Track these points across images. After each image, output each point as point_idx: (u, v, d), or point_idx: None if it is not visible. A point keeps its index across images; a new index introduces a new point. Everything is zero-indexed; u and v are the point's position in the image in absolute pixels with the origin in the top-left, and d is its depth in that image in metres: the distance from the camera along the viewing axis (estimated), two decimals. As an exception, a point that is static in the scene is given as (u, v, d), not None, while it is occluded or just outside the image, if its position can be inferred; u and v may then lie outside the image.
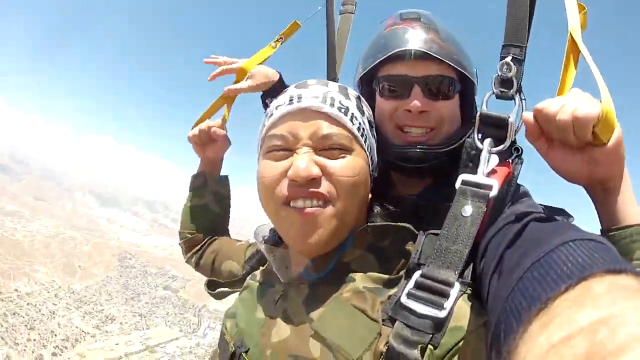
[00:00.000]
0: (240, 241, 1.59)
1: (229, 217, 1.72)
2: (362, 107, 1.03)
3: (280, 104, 0.98)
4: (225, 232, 1.71)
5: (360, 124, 0.98)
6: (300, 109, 0.94)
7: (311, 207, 0.90)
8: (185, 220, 1.65)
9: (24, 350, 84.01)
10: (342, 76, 1.58)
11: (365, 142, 0.99)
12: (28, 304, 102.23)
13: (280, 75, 1.59)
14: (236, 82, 1.55)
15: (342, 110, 0.95)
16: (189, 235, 1.64)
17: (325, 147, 0.93)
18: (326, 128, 0.92)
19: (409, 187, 1.20)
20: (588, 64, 0.92)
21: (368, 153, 1.00)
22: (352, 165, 0.93)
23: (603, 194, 0.94)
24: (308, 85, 1.00)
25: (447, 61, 1.12)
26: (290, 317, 0.94)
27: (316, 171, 0.89)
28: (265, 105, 1.56)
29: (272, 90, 1.53)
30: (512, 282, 0.59)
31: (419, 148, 1.12)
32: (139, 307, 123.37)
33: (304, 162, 0.89)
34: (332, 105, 0.94)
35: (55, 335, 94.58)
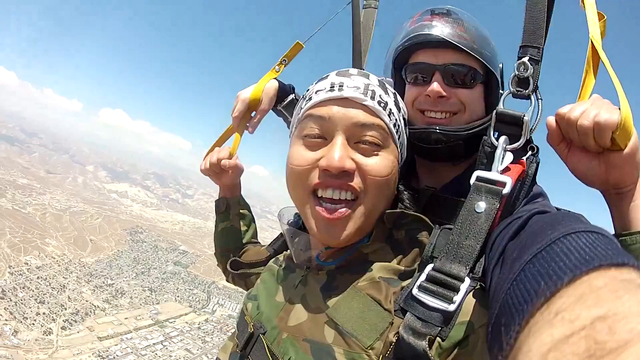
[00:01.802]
0: (265, 245, 1.66)
1: (255, 229, 1.79)
2: (399, 103, 1.03)
3: (321, 89, 0.98)
4: (255, 244, 1.76)
5: (396, 120, 0.99)
6: (342, 98, 0.94)
7: (338, 208, 0.92)
8: (218, 243, 1.75)
9: (33, 324, 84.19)
10: (367, 68, 1.62)
11: (398, 138, 1.00)
12: (38, 277, 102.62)
13: (278, 81, 1.63)
14: (249, 111, 1.60)
15: (382, 104, 0.95)
16: (223, 256, 1.71)
17: (361, 140, 0.93)
18: (366, 119, 0.93)
19: (431, 180, 1.23)
20: (607, 71, 0.96)
21: (399, 150, 1.01)
22: (385, 164, 0.94)
23: (617, 199, 0.97)
24: (350, 74, 0.99)
25: (467, 50, 1.15)
26: (307, 303, 0.96)
27: (349, 164, 0.90)
28: (278, 113, 1.69)
29: (278, 99, 1.63)
30: (514, 273, 0.59)
31: (437, 129, 1.15)
32: (149, 282, 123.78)
33: (339, 153, 0.89)
34: (372, 98, 0.94)
35: (65, 309, 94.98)
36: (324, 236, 0.96)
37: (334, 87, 0.96)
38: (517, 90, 1.04)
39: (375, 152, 0.93)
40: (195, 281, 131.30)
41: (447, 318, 0.75)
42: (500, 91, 1.27)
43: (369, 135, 0.93)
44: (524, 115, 0.98)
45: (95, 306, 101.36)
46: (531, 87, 1.02)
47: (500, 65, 1.28)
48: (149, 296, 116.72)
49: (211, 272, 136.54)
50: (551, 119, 0.95)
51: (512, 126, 1.00)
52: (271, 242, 1.45)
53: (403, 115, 1.04)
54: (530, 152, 1.00)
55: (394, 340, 0.77)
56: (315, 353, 0.85)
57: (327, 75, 1.02)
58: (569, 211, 0.85)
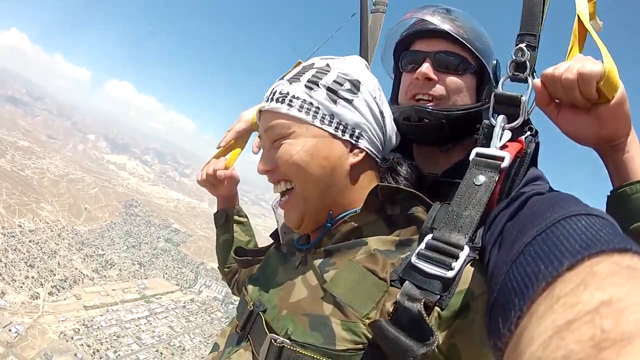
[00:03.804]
0: None
1: (254, 237, 1.80)
2: (318, 81, 1.03)
3: None
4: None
5: (303, 101, 1.01)
6: (259, 112, 1.09)
7: (283, 198, 1.07)
8: (221, 257, 1.75)
9: (21, 287, 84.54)
10: (373, 67, 1.64)
11: (314, 115, 1.01)
12: (30, 241, 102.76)
13: None
14: (250, 131, 1.66)
15: (280, 100, 1.02)
16: (227, 269, 1.72)
17: (275, 140, 1.02)
18: (268, 122, 1.03)
19: (429, 168, 1.26)
20: (591, 35, 1.01)
21: (326, 123, 1.02)
22: (286, 149, 0.99)
23: (612, 152, 0.99)
24: (273, 84, 1.09)
25: (459, 38, 1.21)
26: (307, 280, 0.99)
27: (267, 166, 1.04)
28: None
29: None
30: (513, 255, 0.58)
31: (420, 106, 1.21)
32: (139, 256, 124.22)
33: (261, 160, 1.06)
34: (270, 100, 1.04)
35: (54, 274, 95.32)
36: (286, 222, 1.10)
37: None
38: (514, 75, 1.07)
39: (282, 143, 1.01)
40: (184, 260, 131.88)
41: (446, 285, 0.75)
42: (495, 86, 1.31)
43: (275, 134, 1.02)
44: (522, 96, 1.02)
45: (84, 275, 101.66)
46: (528, 70, 1.05)
47: (494, 62, 1.32)
48: (137, 270, 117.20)
49: (201, 253, 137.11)
50: (537, 81, 0.98)
51: (510, 107, 1.03)
52: (274, 231, 1.44)
53: (328, 88, 1.03)
54: (528, 132, 1.03)
55: (391, 310, 0.78)
56: (312, 325, 0.86)
57: None
58: (568, 193, 0.82)
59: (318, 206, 1.02)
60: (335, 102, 1.03)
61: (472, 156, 0.92)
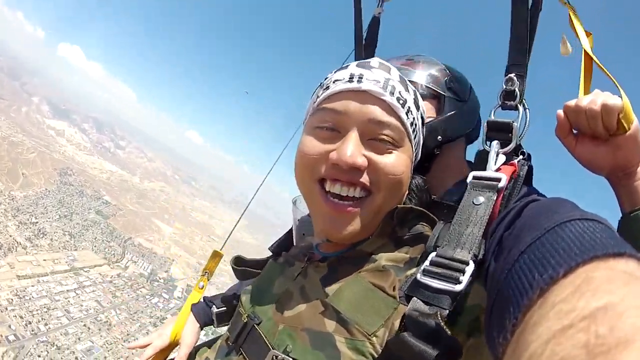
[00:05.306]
0: None
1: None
2: (418, 101, 1.03)
3: (339, 79, 0.96)
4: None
5: (414, 118, 0.98)
6: (360, 91, 0.93)
7: (347, 202, 0.92)
8: None
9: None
10: None
11: (414, 137, 1.00)
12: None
13: (194, 311, 1.59)
14: (169, 349, 1.52)
15: (401, 101, 0.94)
16: None
17: (376, 137, 0.92)
18: (382, 116, 0.91)
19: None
20: (603, 72, 1.11)
21: (414, 149, 1.01)
22: (398, 163, 0.93)
23: (624, 179, 1.06)
24: (371, 66, 0.98)
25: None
26: (306, 293, 0.94)
27: (361, 161, 0.89)
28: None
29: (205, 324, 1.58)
30: (510, 263, 0.58)
31: None
32: (70, 227, 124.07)
33: (351, 149, 0.88)
34: (392, 94, 0.93)
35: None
36: (328, 230, 0.96)
37: (353, 78, 0.94)
38: (504, 103, 1.12)
39: (390, 150, 0.92)
40: (113, 234, 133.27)
41: (454, 299, 0.73)
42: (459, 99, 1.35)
43: (384, 133, 0.91)
44: (513, 122, 1.07)
45: (18, 242, 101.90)
46: (518, 99, 1.10)
47: (446, 79, 1.32)
48: (68, 241, 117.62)
49: (129, 228, 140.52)
50: (560, 112, 1.03)
51: (502, 132, 1.07)
52: (271, 246, 1.39)
53: (421, 114, 1.03)
54: (521, 157, 1.07)
55: (398, 327, 0.76)
56: (314, 343, 0.82)
57: (348, 65, 1.01)
58: (564, 198, 0.82)
59: (377, 223, 0.96)
60: (422, 132, 1.06)
61: (469, 179, 0.94)
